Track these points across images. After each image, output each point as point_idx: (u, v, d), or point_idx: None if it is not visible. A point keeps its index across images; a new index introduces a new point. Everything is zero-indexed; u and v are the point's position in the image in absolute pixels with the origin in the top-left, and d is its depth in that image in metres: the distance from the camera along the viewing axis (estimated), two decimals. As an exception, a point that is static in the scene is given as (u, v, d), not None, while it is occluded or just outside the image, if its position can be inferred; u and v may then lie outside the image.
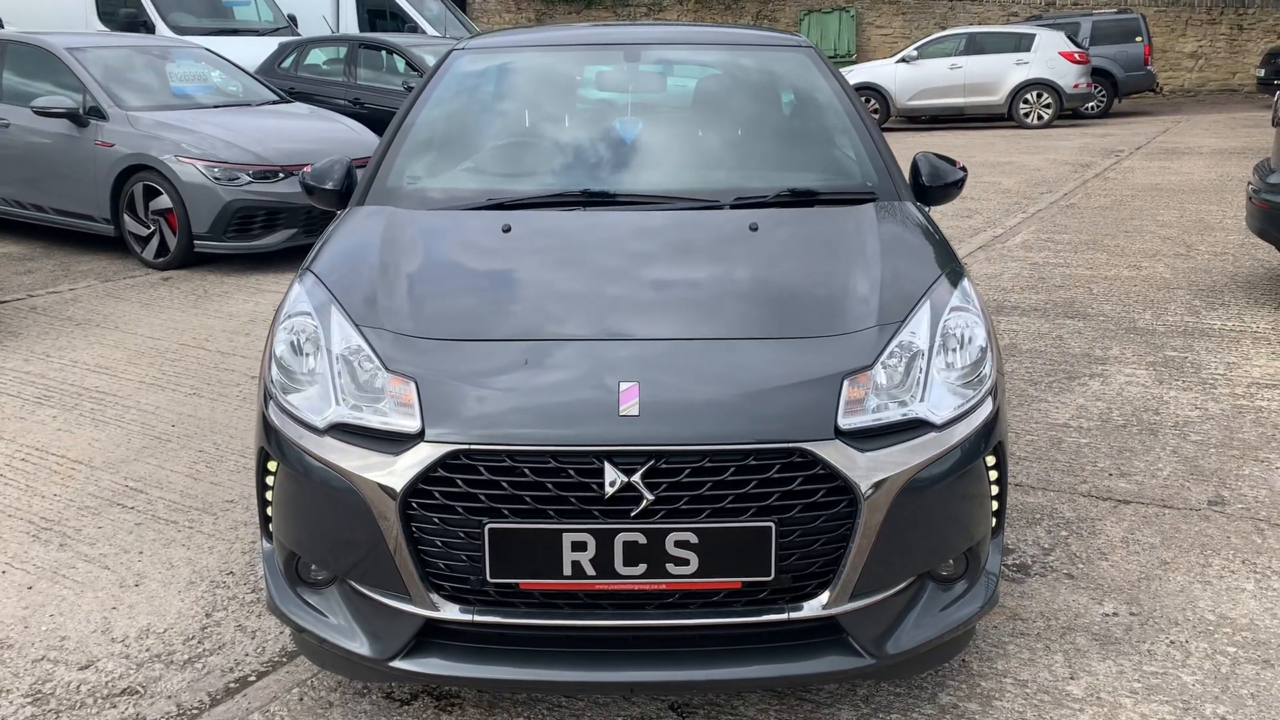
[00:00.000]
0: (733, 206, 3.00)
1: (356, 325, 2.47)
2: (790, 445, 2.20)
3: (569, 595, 2.23)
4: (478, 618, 2.25)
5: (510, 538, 2.18)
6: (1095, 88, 19.21)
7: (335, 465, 2.28)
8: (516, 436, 2.20)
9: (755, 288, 2.60)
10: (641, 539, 2.17)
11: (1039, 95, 18.22)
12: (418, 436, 2.23)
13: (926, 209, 3.29)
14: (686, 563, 2.19)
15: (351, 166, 3.47)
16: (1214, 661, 2.79)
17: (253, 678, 2.76)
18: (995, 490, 2.55)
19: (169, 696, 2.68)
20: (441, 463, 2.20)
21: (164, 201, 7.42)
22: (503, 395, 2.27)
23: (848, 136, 3.36)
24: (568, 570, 2.19)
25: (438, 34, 16.52)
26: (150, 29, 12.82)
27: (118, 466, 4.09)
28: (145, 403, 4.82)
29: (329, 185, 3.38)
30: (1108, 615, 3.02)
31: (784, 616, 2.26)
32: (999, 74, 18.46)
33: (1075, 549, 3.43)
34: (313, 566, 2.44)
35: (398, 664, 2.30)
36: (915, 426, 2.34)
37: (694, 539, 2.17)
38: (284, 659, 2.83)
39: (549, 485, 2.18)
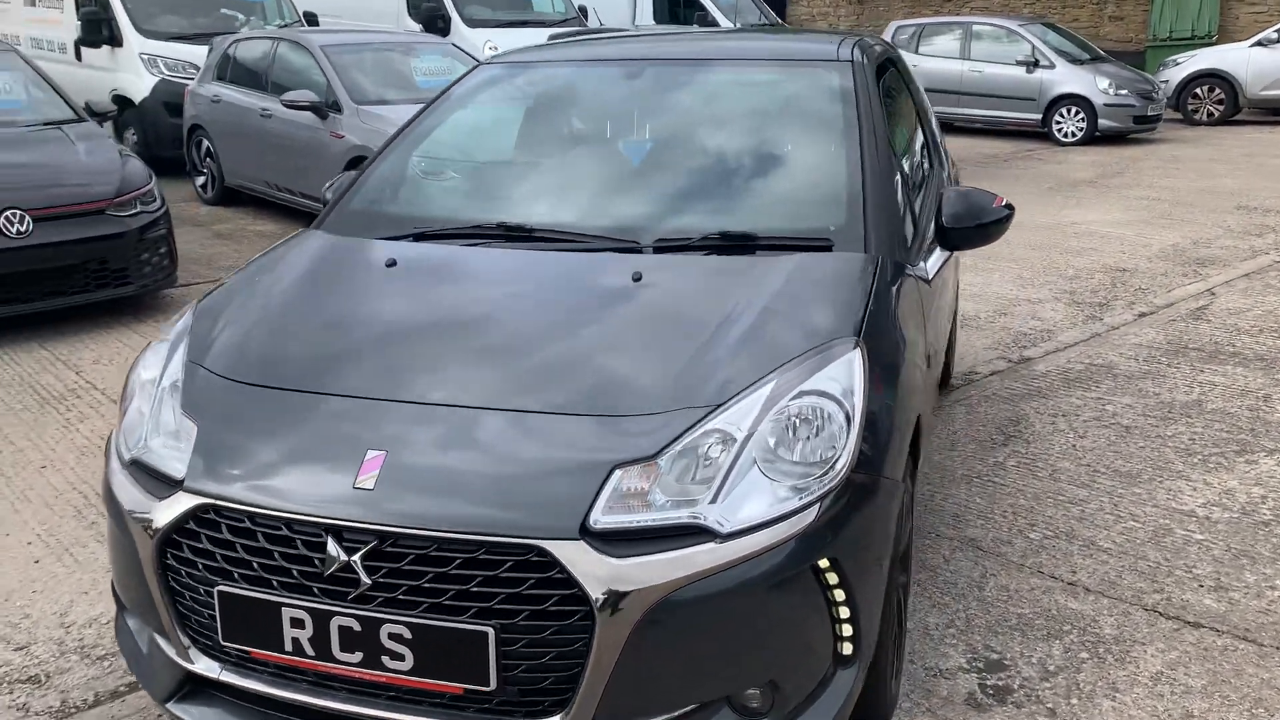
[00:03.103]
0: (655, 250, 2.70)
1: (188, 360, 2.47)
2: (526, 542, 1.95)
3: (301, 671, 2.10)
4: (224, 677, 2.19)
5: (237, 604, 2.09)
6: None
7: (117, 500, 2.29)
8: (257, 498, 2.09)
9: (582, 353, 2.32)
10: (356, 625, 2.00)
11: None
12: (179, 484, 2.19)
13: (909, 261, 2.81)
14: (402, 658, 2.00)
15: None
16: None
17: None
18: (847, 613, 2.13)
19: (61, 691, 2.83)
20: (192, 514, 2.14)
21: (379, 191, 7.90)
22: (262, 450, 2.18)
23: (837, 172, 2.92)
24: (289, 646, 2.07)
25: (729, 23, 16.44)
26: (447, 22, 13.69)
27: (193, 451, 4.40)
28: (264, 388, 5.15)
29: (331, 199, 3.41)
30: (1060, 774, 2.46)
31: (516, 733, 2.01)
32: (1387, 59, 15.64)
33: (1085, 678, 2.82)
34: (133, 594, 2.47)
35: (171, 706, 2.29)
36: (694, 533, 1.99)
37: (408, 634, 1.98)
38: (181, 670, 2.90)
39: (276, 554, 2.06)
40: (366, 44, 9.02)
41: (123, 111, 11.30)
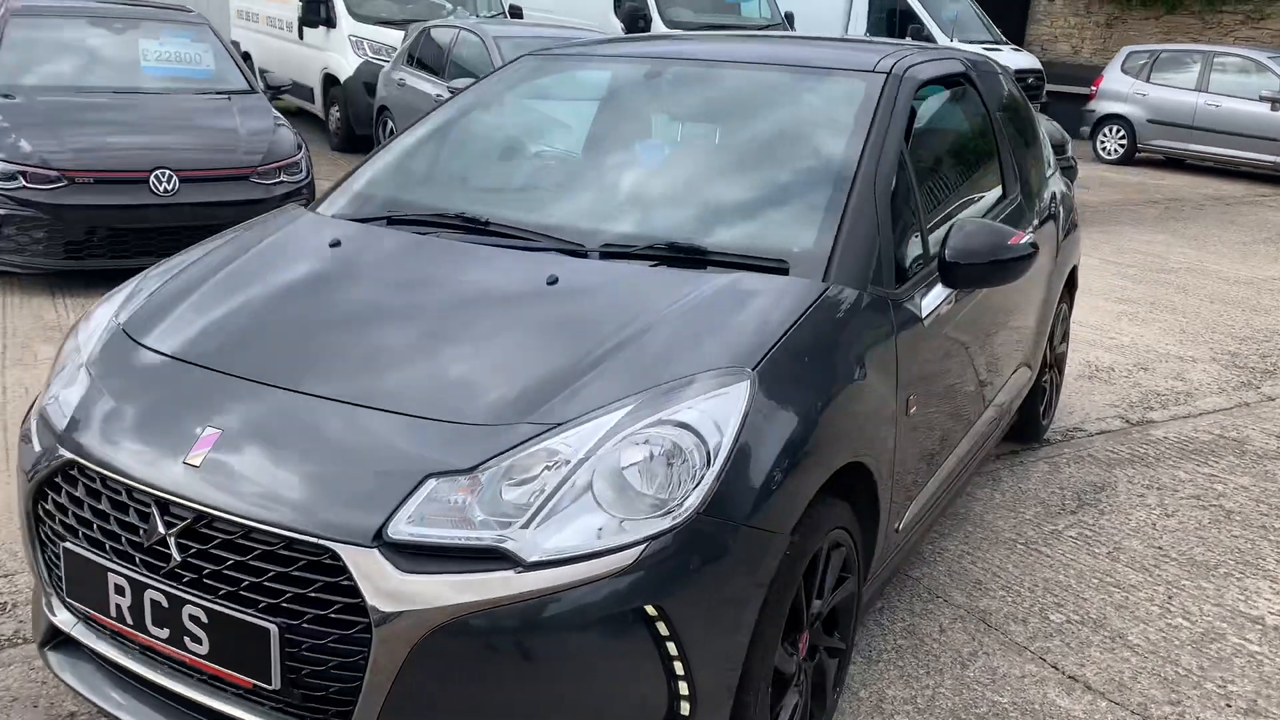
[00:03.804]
0: (602, 255, 2.55)
1: (112, 317, 2.52)
2: (319, 542, 1.86)
3: (129, 638, 2.10)
4: (75, 632, 2.22)
5: (77, 563, 2.11)
6: None
7: (19, 451, 2.35)
8: (108, 460, 2.10)
9: (454, 354, 2.20)
10: (164, 601, 1.98)
11: None
12: (58, 438, 2.23)
13: (898, 296, 2.56)
14: (200, 641, 1.96)
15: None
16: None
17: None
18: (682, 669, 1.94)
19: (20, 621, 2.96)
20: (60, 470, 2.18)
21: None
22: (128, 414, 2.18)
23: (821, 191, 2.67)
24: (113, 612, 2.07)
25: (947, 39, 15.79)
26: (648, 22, 13.79)
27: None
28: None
29: None
30: None
31: (303, 736, 1.93)
32: None
33: (1034, 788, 2.47)
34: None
35: (47, 652, 2.33)
36: (496, 558, 1.85)
37: (204, 618, 1.94)
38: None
39: (113, 519, 2.07)
40: (539, 38, 9.16)
41: (330, 89, 12.02)
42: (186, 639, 1.97)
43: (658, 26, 13.72)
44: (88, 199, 5.94)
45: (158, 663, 2.08)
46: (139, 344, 2.37)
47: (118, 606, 2.05)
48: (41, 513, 2.22)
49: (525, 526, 1.86)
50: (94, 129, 6.33)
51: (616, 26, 14.23)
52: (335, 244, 2.68)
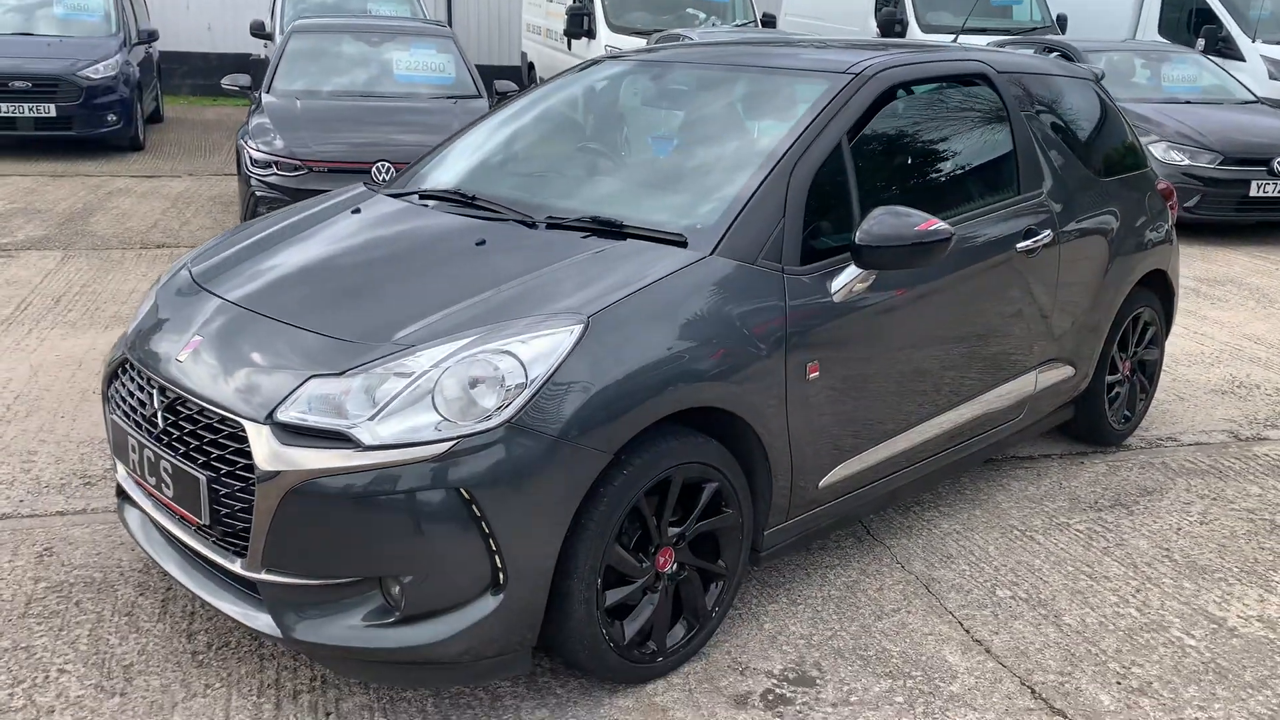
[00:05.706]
0: (548, 226, 3.07)
1: (189, 258, 3.34)
2: (237, 418, 2.54)
3: (141, 487, 2.88)
4: (124, 484, 3.03)
5: (115, 429, 2.91)
6: None
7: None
8: (141, 359, 2.89)
9: (374, 293, 2.81)
10: (152, 457, 2.73)
11: None
12: (125, 341, 3.06)
13: (803, 274, 2.92)
14: (170, 487, 2.69)
15: None
16: None
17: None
18: (494, 545, 2.45)
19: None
20: (120, 364, 3.01)
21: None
22: (162, 327, 2.96)
23: (740, 177, 3.03)
24: (131, 464, 2.85)
25: (1247, 38, 14.59)
26: (904, 27, 13.82)
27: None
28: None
29: None
30: (729, 775, 2.50)
31: (224, 564, 2.61)
32: None
33: (871, 717, 2.73)
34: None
35: (121, 503, 3.17)
36: (345, 439, 2.43)
37: (170, 469, 2.67)
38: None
39: (136, 397, 2.85)
40: (730, 42, 9.64)
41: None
42: (163, 486, 2.71)
43: (913, 30, 13.73)
44: (321, 185, 7.06)
45: (159, 506, 2.85)
46: (191, 276, 3.17)
47: (133, 461, 2.83)
48: (108, 395, 3.05)
49: (371, 419, 2.44)
50: (336, 127, 7.51)
51: (874, 31, 14.37)
52: (356, 210, 3.38)
